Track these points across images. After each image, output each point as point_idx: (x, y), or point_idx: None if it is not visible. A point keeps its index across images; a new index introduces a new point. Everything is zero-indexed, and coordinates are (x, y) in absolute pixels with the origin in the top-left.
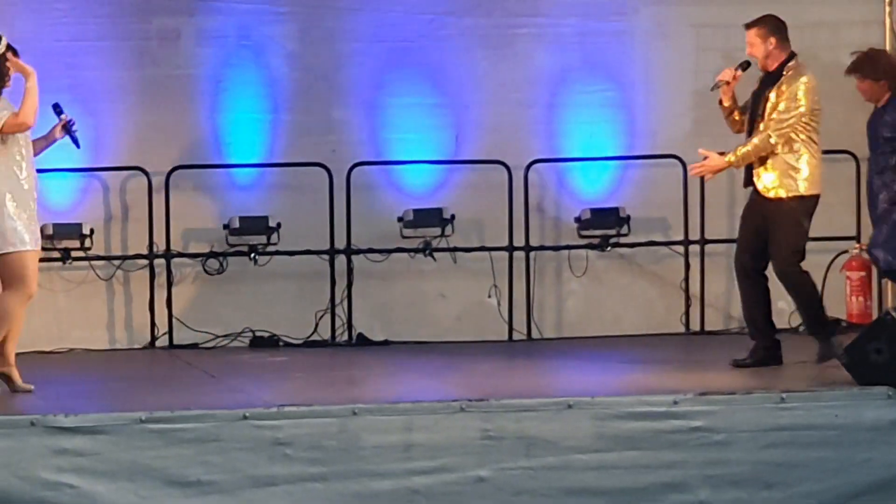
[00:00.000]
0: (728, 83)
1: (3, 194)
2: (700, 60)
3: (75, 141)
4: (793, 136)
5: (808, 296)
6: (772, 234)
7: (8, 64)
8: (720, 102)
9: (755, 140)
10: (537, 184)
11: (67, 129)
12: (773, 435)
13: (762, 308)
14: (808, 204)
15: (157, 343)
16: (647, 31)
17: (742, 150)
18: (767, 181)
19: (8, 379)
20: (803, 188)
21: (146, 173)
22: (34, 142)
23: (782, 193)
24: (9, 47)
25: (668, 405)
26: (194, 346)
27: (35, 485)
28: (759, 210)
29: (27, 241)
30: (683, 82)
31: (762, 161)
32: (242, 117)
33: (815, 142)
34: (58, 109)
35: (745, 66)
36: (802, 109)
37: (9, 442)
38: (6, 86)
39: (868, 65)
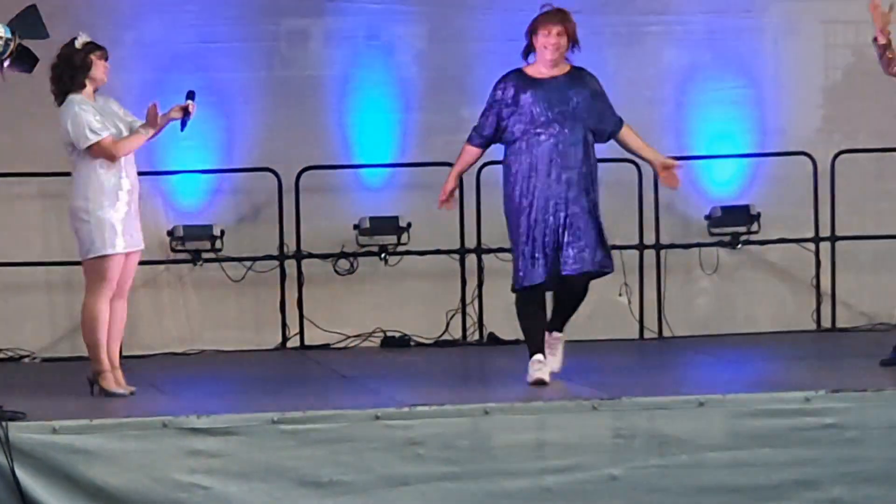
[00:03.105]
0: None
1: (96, 197)
2: (829, 57)
3: (184, 124)
4: None
5: None
6: None
7: (93, 58)
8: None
9: None
10: None
11: (185, 112)
12: None
13: None
14: None
15: (288, 344)
16: (777, 28)
17: None
18: None
19: (99, 381)
20: None
21: (276, 174)
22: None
23: None
24: (92, 44)
25: (800, 402)
26: (325, 346)
27: (168, 486)
28: None
29: (116, 245)
30: (813, 79)
31: None
32: (371, 117)
33: None
34: (190, 96)
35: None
36: None
37: (142, 443)
38: (93, 82)
39: (572, 21)
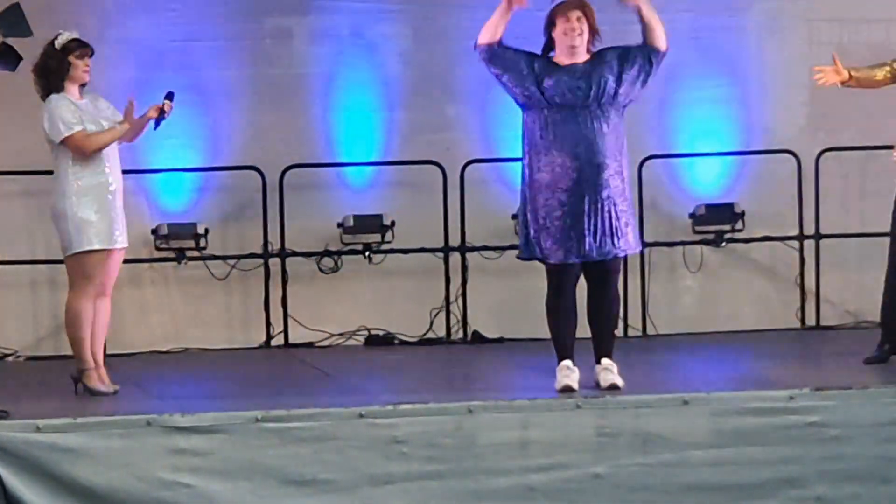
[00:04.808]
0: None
1: (75, 195)
2: (813, 54)
3: (157, 123)
4: None
5: None
6: None
7: (71, 59)
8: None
9: None
10: (651, 180)
11: (161, 112)
12: (889, 429)
13: None
14: None
15: (273, 342)
16: (761, 26)
17: None
18: None
19: (83, 379)
20: None
21: (261, 172)
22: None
23: None
24: (74, 42)
25: (784, 401)
26: (309, 344)
27: (152, 484)
28: None
29: (94, 242)
30: (797, 77)
31: None
32: (356, 116)
33: None
34: (168, 96)
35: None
36: None
37: (126, 442)
38: (73, 82)
39: (591, 8)
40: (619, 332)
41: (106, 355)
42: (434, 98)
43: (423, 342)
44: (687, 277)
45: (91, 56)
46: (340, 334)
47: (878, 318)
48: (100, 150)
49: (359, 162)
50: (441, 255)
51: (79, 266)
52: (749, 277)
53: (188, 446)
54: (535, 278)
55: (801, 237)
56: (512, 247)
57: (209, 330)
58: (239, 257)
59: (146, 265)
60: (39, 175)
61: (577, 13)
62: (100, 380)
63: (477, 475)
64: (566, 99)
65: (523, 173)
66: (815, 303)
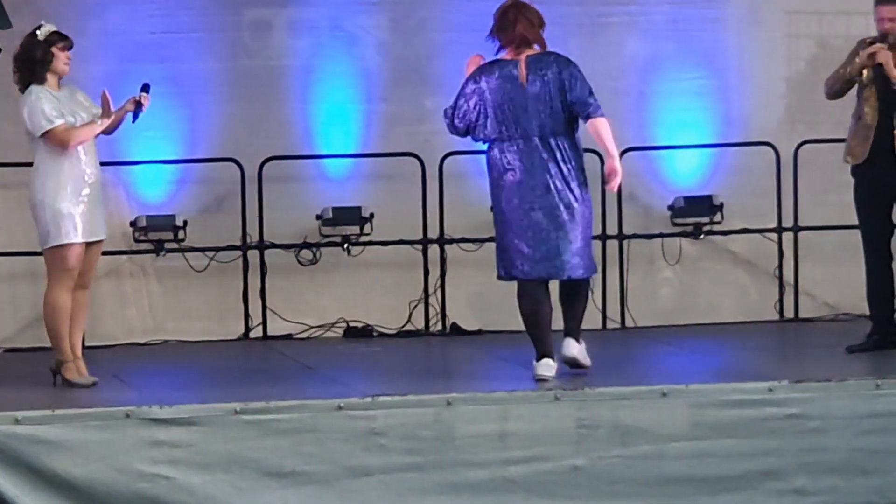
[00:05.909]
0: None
1: (54, 188)
2: (793, 47)
3: (135, 116)
4: None
5: None
6: None
7: (54, 50)
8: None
9: None
10: (630, 172)
11: (138, 105)
12: (868, 421)
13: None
14: None
15: (251, 334)
16: (740, 18)
17: None
18: None
19: (61, 371)
20: None
21: (239, 164)
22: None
23: None
24: (55, 35)
25: (763, 393)
26: (288, 336)
27: (131, 476)
28: None
29: (72, 235)
30: (776, 69)
31: None
32: (335, 108)
33: None
34: (144, 89)
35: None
36: None
37: (104, 434)
38: (55, 74)
39: None
40: (597, 324)
41: (84, 347)
42: (413, 90)
43: (402, 334)
44: (665, 270)
45: (71, 49)
46: (319, 326)
47: (856, 310)
48: (80, 143)
49: (338, 154)
50: (420, 247)
51: (57, 259)
52: (728, 270)
53: (167, 438)
54: None
55: (779, 229)
56: (490, 239)
57: (188, 322)
58: (217, 249)
59: (125, 257)
60: (17, 167)
61: None
62: (78, 372)
63: (456, 467)
64: None
65: (581, 195)
66: (794, 295)
